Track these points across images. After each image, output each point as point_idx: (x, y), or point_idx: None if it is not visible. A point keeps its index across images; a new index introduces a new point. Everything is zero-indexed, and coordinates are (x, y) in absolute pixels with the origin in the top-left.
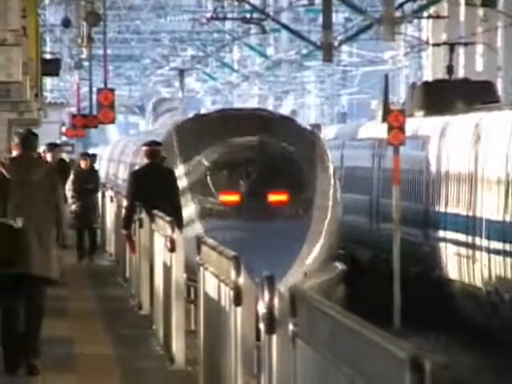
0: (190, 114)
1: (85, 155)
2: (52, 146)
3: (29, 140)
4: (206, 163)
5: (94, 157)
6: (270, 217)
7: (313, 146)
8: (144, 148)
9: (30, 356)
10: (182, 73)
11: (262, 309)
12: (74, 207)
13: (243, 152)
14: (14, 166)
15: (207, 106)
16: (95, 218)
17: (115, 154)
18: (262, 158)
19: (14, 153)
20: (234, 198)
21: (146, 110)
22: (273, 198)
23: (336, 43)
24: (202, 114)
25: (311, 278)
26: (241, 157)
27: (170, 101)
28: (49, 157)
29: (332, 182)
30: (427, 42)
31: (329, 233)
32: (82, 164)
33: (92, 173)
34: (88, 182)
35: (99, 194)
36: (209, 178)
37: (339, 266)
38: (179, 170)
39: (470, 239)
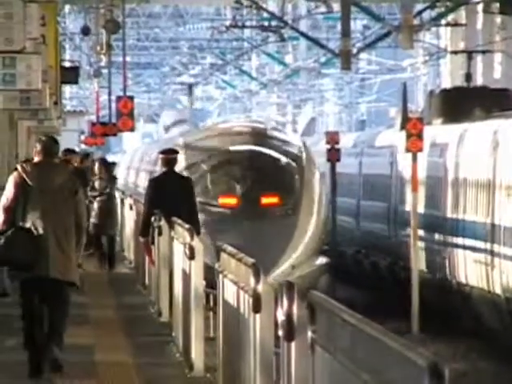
0: (197, 126)
1: (101, 160)
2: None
3: (50, 146)
4: (207, 169)
5: (113, 165)
6: (263, 217)
7: (301, 155)
8: (161, 156)
9: (54, 353)
10: (190, 87)
11: (280, 316)
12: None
13: (239, 160)
14: (35, 172)
15: (214, 118)
16: (112, 226)
17: (134, 162)
18: (255, 166)
19: (36, 158)
20: (231, 200)
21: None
22: (265, 200)
23: (354, 51)
24: (205, 127)
25: (298, 270)
26: (237, 165)
27: (179, 112)
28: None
29: (318, 186)
30: (445, 50)
31: (314, 231)
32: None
33: (110, 178)
34: (105, 188)
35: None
36: (209, 182)
37: (323, 259)
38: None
39: (488, 246)
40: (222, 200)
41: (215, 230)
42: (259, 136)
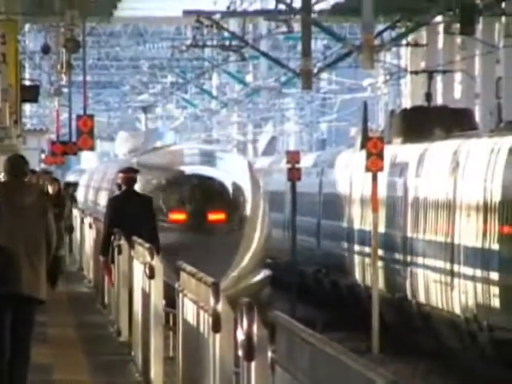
0: (149, 147)
1: (53, 180)
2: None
3: (18, 164)
4: (159, 188)
5: (75, 185)
6: (210, 232)
7: (246, 174)
8: (121, 175)
9: (23, 376)
10: (145, 109)
11: (240, 336)
12: None
13: (188, 180)
14: (4, 191)
15: (167, 139)
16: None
17: (92, 181)
18: (203, 185)
19: (5, 177)
20: (181, 216)
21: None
22: (212, 216)
23: (315, 70)
24: (157, 148)
25: (242, 281)
26: (186, 184)
27: (134, 134)
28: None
29: (262, 204)
30: (406, 70)
31: (257, 245)
32: (50, 189)
33: (59, 197)
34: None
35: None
36: (161, 200)
37: (266, 272)
38: None
39: (448, 266)
40: (173, 216)
41: (166, 244)
42: (206, 157)
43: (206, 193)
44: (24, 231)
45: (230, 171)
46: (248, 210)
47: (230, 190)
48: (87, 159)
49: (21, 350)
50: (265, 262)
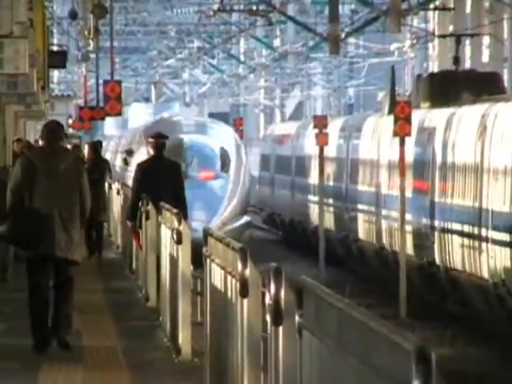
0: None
1: (90, 144)
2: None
3: (55, 130)
4: None
5: (99, 143)
6: (203, 185)
7: (231, 141)
8: (150, 139)
9: (62, 332)
10: (155, 85)
11: (268, 300)
12: None
13: (184, 145)
14: (41, 155)
15: (175, 112)
16: (100, 211)
17: (120, 147)
18: (197, 150)
19: (41, 142)
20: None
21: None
22: (203, 174)
23: (342, 35)
24: (162, 120)
25: (227, 224)
26: (184, 148)
27: (144, 106)
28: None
29: (243, 164)
30: (433, 34)
31: (240, 196)
32: (87, 153)
33: (99, 162)
34: (93, 173)
35: (106, 185)
36: None
37: (247, 218)
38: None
39: (476, 230)
40: None
41: None
42: (200, 126)
43: (199, 155)
44: (58, 195)
45: (218, 138)
46: (232, 169)
47: (218, 153)
48: (110, 125)
49: (62, 306)
50: (245, 211)
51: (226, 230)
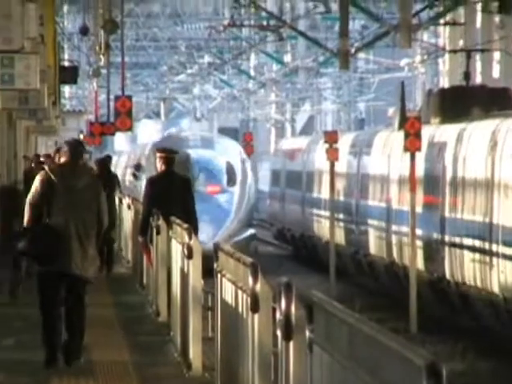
0: (165, 133)
1: (99, 160)
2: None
3: (76, 148)
4: None
5: (109, 158)
6: (209, 199)
7: (237, 155)
8: (160, 154)
9: (73, 356)
10: (164, 100)
11: (278, 315)
12: None
13: (193, 159)
14: (61, 172)
15: (183, 128)
16: (110, 227)
17: (130, 161)
18: (203, 165)
19: (62, 159)
20: None
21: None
22: (210, 189)
23: (353, 50)
24: (170, 136)
25: (233, 237)
26: (191, 163)
27: (153, 122)
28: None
29: (249, 178)
30: (444, 49)
31: (245, 210)
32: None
33: (108, 177)
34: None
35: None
36: None
37: (251, 230)
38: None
39: (486, 245)
40: None
41: None
42: (206, 142)
43: (206, 170)
44: (76, 212)
45: (225, 153)
46: (238, 183)
47: (224, 168)
48: (120, 140)
49: (75, 324)
50: (250, 224)
51: (231, 243)
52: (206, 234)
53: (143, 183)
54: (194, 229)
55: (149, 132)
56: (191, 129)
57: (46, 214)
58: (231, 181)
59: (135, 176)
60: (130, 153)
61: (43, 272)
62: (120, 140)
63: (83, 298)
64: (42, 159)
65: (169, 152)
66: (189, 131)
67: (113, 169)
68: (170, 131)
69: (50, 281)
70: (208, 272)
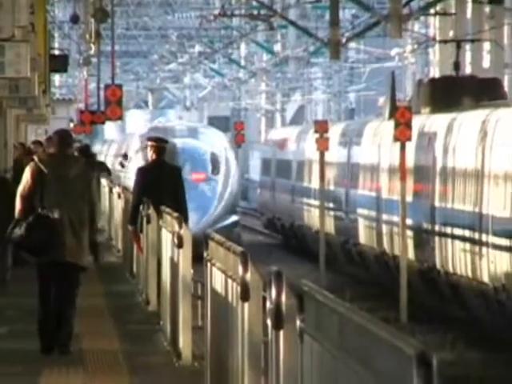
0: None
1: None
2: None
3: (65, 138)
4: None
5: (87, 147)
6: (194, 187)
7: (221, 145)
8: (151, 143)
9: (64, 339)
10: (151, 90)
11: (269, 304)
12: None
13: (179, 148)
14: (51, 162)
15: (169, 118)
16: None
17: (123, 150)
18: (189, 154)
19: (52, 150)
20: None
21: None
22: (195, 176)
23: (343, 40)
24: (156, 126)
25: (217, 223)
26: (176, 151)
27: (141, 113)
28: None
29: (233, 168)
30: (434, 39)
31: (228, 197)
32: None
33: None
34: None
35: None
36: None
37: (235, 217)
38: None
39: (476, 235)
40: None
41: None
42: (192, 131)
43: (191, 159)
44: (68, 201)
45: (209, 142)
46: (222, 172)
47: (209, 157)
48: (110, 129)
49: (65, 311)
50: (234, 211)
51: (215, 229)
52: (191, 220)
53: (130, 172)
54: (184, 218)
55: (137, 122)
56: (181, 118)
57: (39, 204)
58: (215, 169)
59: (122, 165)
60: (118, 142)
61: (40, 262)
62: (110, 129)
63: (77, 285)
64: (31, 146)
65: (160, 141)
66: (176, 121)
67: (103, 157)
68: (157, 121)
69: (46, 270)
70: (194, 259)
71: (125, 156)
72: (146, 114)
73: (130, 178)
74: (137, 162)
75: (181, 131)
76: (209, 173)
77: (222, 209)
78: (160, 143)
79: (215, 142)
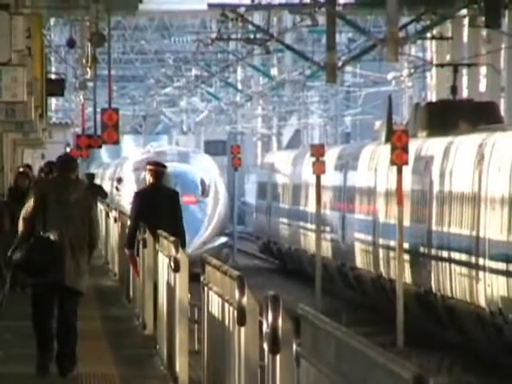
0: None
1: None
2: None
3: (68, 162)
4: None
5: (92, 176)
6: (185, 209)
7: (211, 169)
8: (149, 167)
9: (67, 368)
10: (144, 117)
11: (265, 329)
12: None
13: (170, 172)
14: (54, 186)
15: (162, 143)
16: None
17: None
18: (180, 177)
19: (55, 174)
20: None
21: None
22: (186, 199)
23: (339, 63)
24: (149, 151)
25: (207, 244)
26: (168, 175)
27: (135, 138)
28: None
29: (222, 191)
30: (431, 63)
31: (218, 219)
32: None
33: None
34: None
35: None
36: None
37: (224, 238)
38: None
39: (473, 259)
40: None
41: None
42: (182, 156)
43: (181, 182)
44: (69, 225)
45: (199, 167)
46: (211, 195)
47: (199, 180)
48: (105, 154)
49: (68, 335)
50: (223, 232)
51: (205, 249)
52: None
53: (124, 196)
54: (182, 242)
55: (131, 147)
56: (178, 143)
57: (40, 227)
58: (205, 192)
59: (117, 189)
60: (113, 166)
61: (37, 284)
62: (107, 152)
63: (76, 309)
64: (21, 170)
65: (158, 165)
66: (167, 146)
67: (99, 181)
68: (149, 146)
69: (43, 293)
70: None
71: (119, 180)
72: (138, 139)
73: (123, 201)
74: (131, 185)
75: (172, 155)
76: (199, 196)
77: (211, 230)
78: (158, 167)
79: (205, 167)
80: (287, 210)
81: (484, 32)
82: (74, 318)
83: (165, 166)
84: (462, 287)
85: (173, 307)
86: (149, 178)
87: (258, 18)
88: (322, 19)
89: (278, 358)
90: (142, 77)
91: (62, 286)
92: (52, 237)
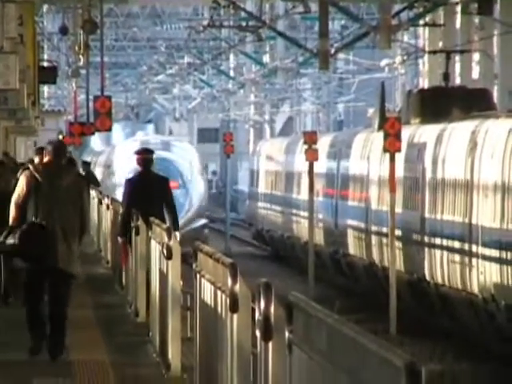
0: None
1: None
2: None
3: (59, 148)
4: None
5: (88, 164)
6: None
7: (192, 156)
8: (136, 156)
9: (56, 349)
10: (132, 107)
11: (258, 316)
12: None
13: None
14: (45, 171)
15: (147, 131)
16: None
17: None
18: (162, 164)
19: (46, 159)
20: None
21: (140, 116)
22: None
23: (332, 51)
24: (134, 139)
25: (188, 225)
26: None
27: (123, 126)
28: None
29: (201, 176)
30: (423, 50)
31: (198, 203)
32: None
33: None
34: None
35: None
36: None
37: (203, 220)
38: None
39: (466, 246)
40: None
41: None
42: (165, 145)
43: (164, 169)
44: (61, 210)
45: (180, 154)
46: (192, 180)
47: (180, 167)
48: (97, 141)
49: (61, 319)
50: (203, 215)
51: (186, 230)
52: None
53: (114, 183)
54: (175, 226)
55: (121, 134)
56: (171, 129)
57: (33, 212)
58: (185, 178)
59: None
60: (104, 153)
61: (31, 269)
62: (96, 140)
63: (68, 293)
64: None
65: (145, 152)
66: (151, 135)
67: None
68: (135, 135)
69: (36, 277)
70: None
71: (107, 167)
72: (127, 127)
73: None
74: (119, 173)
75: (155, 144)
76: (180, 181)
77: (192, 213)
78: (145, 154)
79: (186, 154)
80: (280, 197)
81: (476, 19)
82: (66, 302)
83: (152, 152)
84: (454, 274)
85: (165, 294)
86: (137, 166)
87: (250, 4)
88: (314, 6)
89: (270, 345)
90: (134, 64)
91: (55, 269)
92: (47, 223)
